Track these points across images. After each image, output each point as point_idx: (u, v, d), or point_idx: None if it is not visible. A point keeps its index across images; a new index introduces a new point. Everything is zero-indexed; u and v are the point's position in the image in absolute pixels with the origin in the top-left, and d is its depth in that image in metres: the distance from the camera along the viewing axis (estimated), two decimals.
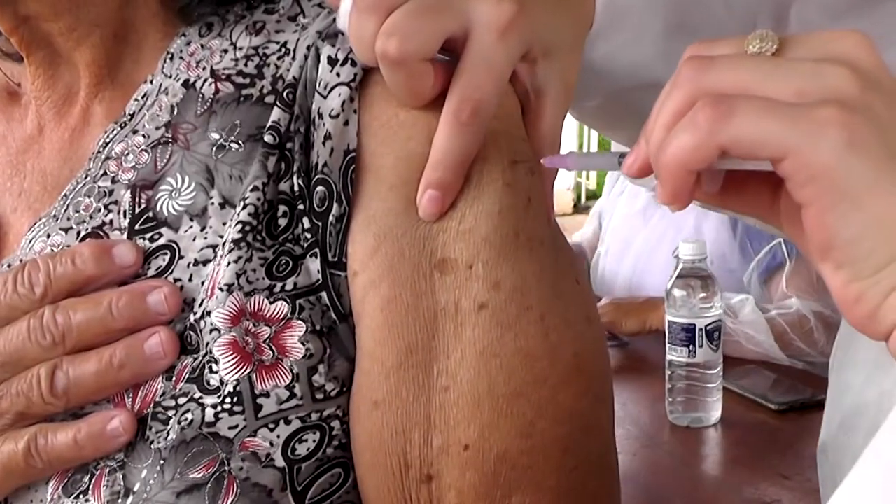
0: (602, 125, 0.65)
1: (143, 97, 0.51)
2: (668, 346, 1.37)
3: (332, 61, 0.46)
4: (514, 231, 0.45)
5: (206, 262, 0.46)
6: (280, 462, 0.43)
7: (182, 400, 0.44)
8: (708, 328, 1.33)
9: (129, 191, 0.48)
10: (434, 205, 0.44)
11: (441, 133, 0.44)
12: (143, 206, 0.48)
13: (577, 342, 0.46)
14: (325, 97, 0.46)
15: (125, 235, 0.47)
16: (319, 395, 0.44)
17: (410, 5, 0.42)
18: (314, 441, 0.44)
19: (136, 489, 0.43)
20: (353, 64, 0.46)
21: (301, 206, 0.46)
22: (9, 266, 0.50)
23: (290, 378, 0.44)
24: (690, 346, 1.33)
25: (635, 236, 1.94)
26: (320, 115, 0.46)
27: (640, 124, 0.63)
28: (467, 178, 0.45)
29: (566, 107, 0.49)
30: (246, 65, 0.49)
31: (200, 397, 0.43)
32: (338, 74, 0.46)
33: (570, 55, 0.49)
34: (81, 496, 0.44)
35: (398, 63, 0.42)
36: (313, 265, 0.45)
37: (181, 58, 0.51)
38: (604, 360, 0.48)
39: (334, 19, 0.47)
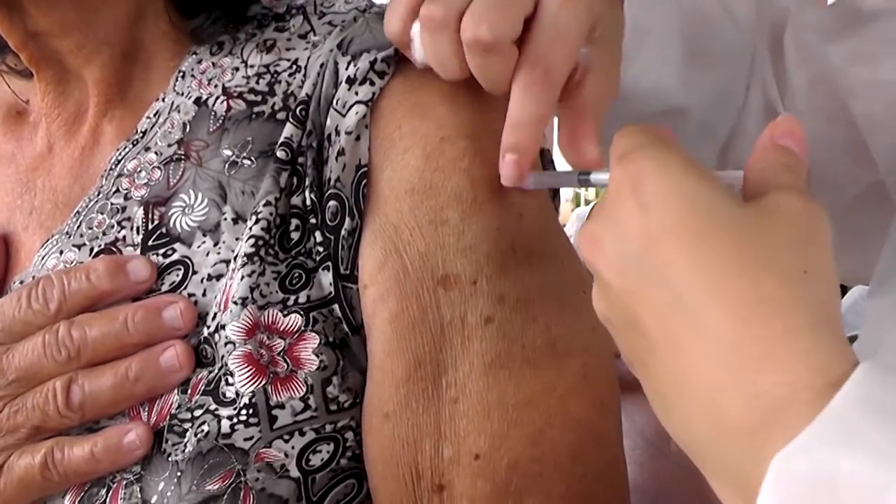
0: None
1: (154, 115, 0.52)
2: None
3: (350, 80, 0.47)
4: (511, 246, 0.45)
5: (219, 277, 0.46)
6: (295, 473, 0.44)
7: (198, 412, 0.44)
8: None
9: (141, 207, 0.49)
10: (512, 168, 0.44)
11: (514, 98, 0.43)
12: (155, 222, 0.48)
13: (585, 352, 0.46)
14: (343, 115, 0.47)
15: (138, 251, 0.48)
16: (333, 407, 0.45)
17: None
18: (328, 452, 0.45)
19: (153, 502, 0.43)
20: (371, 83, 0.46)
21: (313, 220, 0.46)
22: (21, 283, 0.50)
23: (304, 390, 0.44)
24: None
25: None
26: (337, 133, 0.47)
27: None
28: (459, 196, 0.45)
29: (610, 91, 0.47)
30: (257, 82, 0.50)
31: (216, 409, 0.44)
32: (356, 93, 0.47)
33: (619, 51, 0.48)
34: None
35: (492, 47, 0.42)
36: (325, 278, 0.46)
37: (192, 76, 0.52)
38: (611, 371, 0.48)
39: (345, 37, 0.47)
